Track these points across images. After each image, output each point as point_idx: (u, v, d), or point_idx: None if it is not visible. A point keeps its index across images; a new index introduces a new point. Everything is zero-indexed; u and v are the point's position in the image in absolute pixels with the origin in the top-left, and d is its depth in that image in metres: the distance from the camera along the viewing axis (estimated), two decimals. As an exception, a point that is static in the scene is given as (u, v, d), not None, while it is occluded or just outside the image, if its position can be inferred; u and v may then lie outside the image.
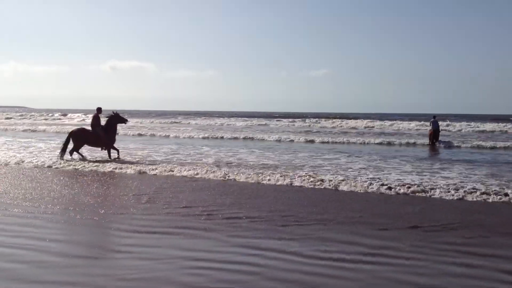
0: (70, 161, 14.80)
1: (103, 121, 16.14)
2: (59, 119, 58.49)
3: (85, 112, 70.82)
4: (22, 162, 14.54)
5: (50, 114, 65.64)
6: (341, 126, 43.58)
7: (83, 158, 15.48)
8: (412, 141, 26.00)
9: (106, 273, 5.24)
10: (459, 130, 37.42)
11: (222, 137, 30.05)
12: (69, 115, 63.85)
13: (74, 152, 15.59)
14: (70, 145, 15.62)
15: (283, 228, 7.27)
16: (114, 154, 15.98)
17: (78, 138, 15.54)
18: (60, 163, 14.07)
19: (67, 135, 15.85)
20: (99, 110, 16.18)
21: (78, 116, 60.04)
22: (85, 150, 16.45)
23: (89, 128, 16.05)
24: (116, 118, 16.07)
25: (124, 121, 16.42)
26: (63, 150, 15.42)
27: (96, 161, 14.92)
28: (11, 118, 60.15)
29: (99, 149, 16.23)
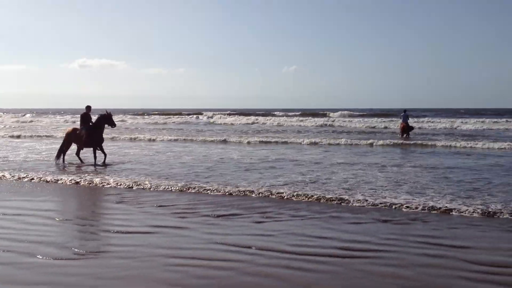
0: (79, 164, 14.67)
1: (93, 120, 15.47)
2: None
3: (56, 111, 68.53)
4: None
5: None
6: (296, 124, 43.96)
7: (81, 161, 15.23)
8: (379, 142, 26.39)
9: (83, 272, 5.21)
10: (432, 128, 38.38)
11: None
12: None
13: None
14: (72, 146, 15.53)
15: (259, 224, 7.37)
16: (99, 156, 15.17)
17: (72, 138, 15.24)
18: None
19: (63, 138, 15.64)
20: (88, 108, 15.44)
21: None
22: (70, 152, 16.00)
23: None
24: (107, 119, 15.21)
25: (112, 124, 15.38)
26: (59, 155, 15.13)
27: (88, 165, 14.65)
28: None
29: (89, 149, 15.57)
